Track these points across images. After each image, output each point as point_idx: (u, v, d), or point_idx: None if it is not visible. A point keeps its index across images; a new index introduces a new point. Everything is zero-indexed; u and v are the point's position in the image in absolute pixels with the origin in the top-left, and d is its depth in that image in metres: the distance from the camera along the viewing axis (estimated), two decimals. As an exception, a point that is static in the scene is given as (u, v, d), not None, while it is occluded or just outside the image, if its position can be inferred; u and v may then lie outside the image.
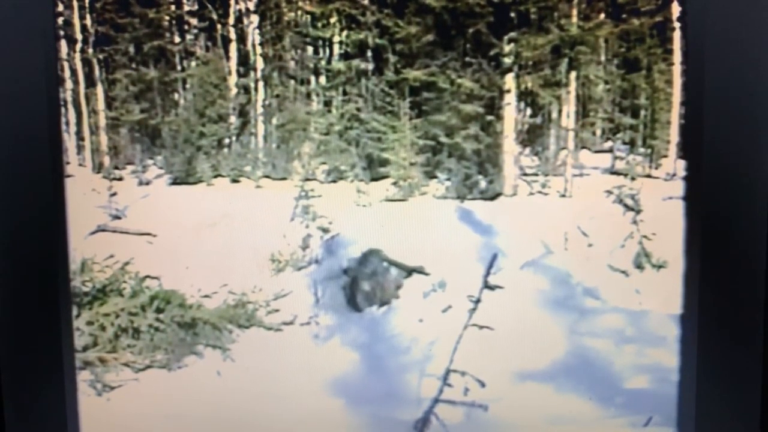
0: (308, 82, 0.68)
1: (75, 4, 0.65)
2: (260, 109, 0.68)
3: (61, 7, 0.64)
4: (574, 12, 0.65)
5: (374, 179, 0.67)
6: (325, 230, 0.67)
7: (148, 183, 0.67)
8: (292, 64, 0.68)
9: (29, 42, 0.47)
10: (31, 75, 0.47)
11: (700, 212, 0.46)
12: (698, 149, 0.46)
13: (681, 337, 0.50)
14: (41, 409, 0.51)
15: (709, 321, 0.47)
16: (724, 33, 0.45)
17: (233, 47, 0.69)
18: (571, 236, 0.66)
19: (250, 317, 0.66)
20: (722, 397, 0.47)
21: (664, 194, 0.62)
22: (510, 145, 0.68)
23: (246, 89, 0.69)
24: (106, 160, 0.67)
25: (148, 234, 0.65)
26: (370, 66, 0.66)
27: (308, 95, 0.68)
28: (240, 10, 0.69)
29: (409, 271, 0.66)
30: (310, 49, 0.68)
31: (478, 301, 0.64)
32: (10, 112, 0.47)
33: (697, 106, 0.46)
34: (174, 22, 0.69)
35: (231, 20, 0.70)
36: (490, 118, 0.67)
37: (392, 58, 0.66)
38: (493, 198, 0.67)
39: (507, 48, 0.65)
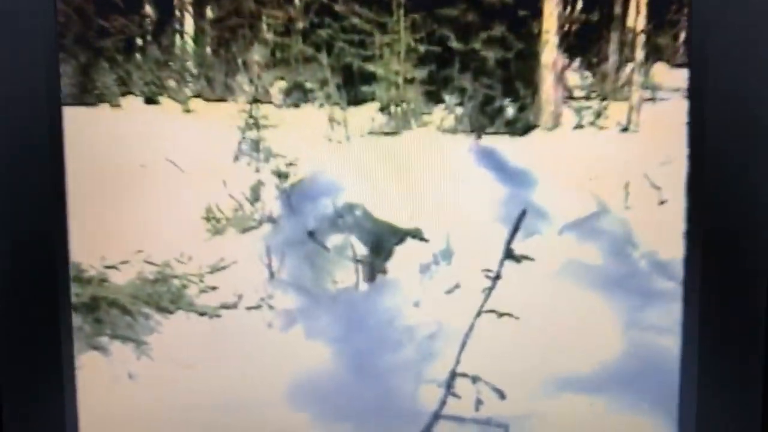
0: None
1: None
2: (188, -4, 0.55)
3: None
4: None
5: (354, 103, 0.54)
6: (284, 175, 0.55)
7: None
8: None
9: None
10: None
11: (705, 208, 0.48)
12: (701, 152, 0.47)
13: (682, 343, 0.49)
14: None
15: (712, 327, 0.48)
16: None
17: None
18: (636, 188, 0.52)
19: (175, 297, 0.54)
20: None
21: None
22: (551, 53, 0.54)
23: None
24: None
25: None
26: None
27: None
28: None
29: (402, 235, 0.54)
30: None
31: (497, 277, 0.53)
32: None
33: None
34: None
35: None
36: (522, 12, 0.53)
37: None
38: (524, 132, 0.54)
39: None
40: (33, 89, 0.49)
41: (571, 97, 0.54)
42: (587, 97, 0.54)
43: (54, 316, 0.49)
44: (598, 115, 0.54)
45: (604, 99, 0.53)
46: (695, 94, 0.50)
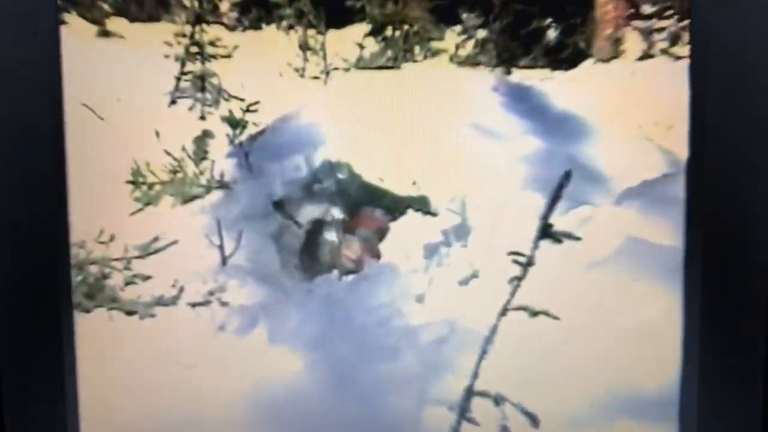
0: None
1: None
2: None
3: None
4: None
5: (335, 23, 0.49)
6: (240, 124, 0.50)
7: None
8: None
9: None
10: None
11: (703, 211, 0.46)
12: (700, 146, 0.45)
13: (683, 339, 0.48)
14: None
15: (712, 322, 0.48)
16: None
17: None
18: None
19: (92, 290, 0.49)
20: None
21: None
22: (610, -45, 0.47)
23: None
24: None
25: None
26: None
27: None
28: None
29: (402, 206, 0.49)
30: None
31: (529, 263, 0.48)
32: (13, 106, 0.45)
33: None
34: None
35: None
36: None
37: None
38: (571, 64, 0.49)
39: None
40: None
41: (636, 15, 0.47)
42: (659, 15, 0.47)
43: (56, 315, 0.47)
44: (675, 39, 0.46)
45: (682, 18, 0.45)
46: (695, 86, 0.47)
